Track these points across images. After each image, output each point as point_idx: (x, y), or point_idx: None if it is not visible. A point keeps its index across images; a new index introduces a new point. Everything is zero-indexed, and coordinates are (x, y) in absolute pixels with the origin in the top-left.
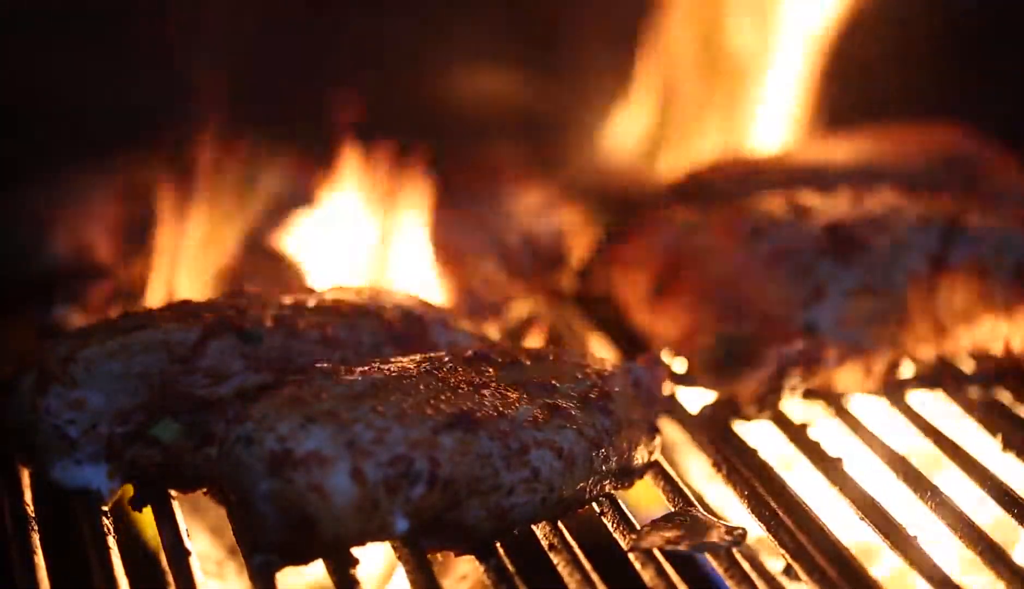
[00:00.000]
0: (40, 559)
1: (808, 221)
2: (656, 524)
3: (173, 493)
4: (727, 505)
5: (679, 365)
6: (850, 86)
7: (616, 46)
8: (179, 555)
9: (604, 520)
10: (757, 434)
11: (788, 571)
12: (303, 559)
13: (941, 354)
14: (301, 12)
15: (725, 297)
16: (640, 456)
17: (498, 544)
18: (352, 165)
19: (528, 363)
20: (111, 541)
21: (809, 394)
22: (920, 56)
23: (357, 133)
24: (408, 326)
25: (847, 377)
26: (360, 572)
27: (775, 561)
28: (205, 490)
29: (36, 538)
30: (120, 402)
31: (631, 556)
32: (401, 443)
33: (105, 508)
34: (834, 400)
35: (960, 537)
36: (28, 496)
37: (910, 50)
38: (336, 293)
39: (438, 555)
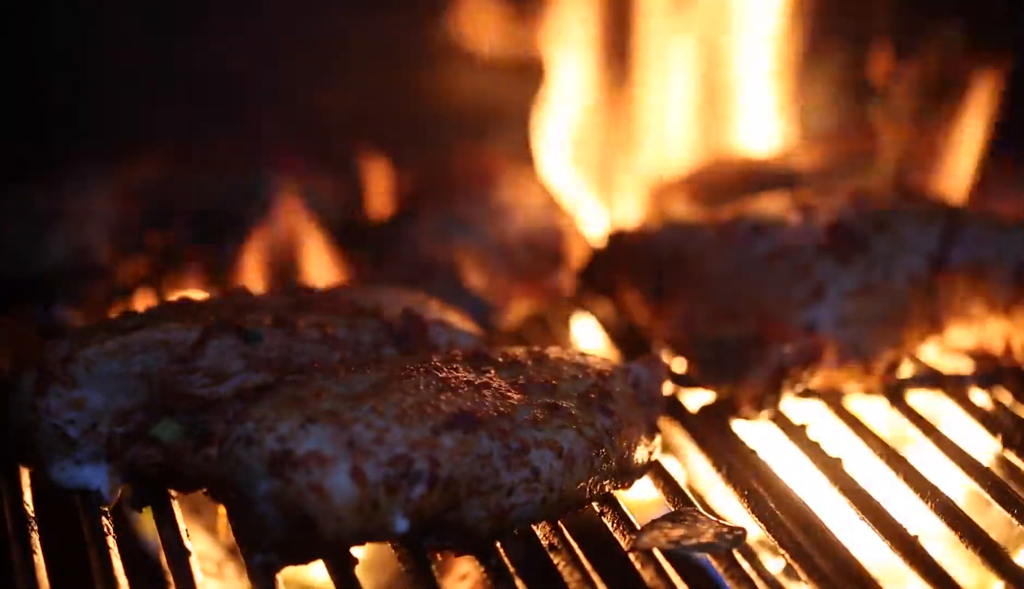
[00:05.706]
0: (40, 559)
1: (808, 221)
2: (656, 524)
3: (173, 493)
4: (727, 505)
5: (679, 365)
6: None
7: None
8: (179, 555)
9: (604, 520)
10: (757, 434)
11: (788, 571)
12: (303, 559)
13: (941, 354)
14: None
15: (725, 297)
16: (640, 456)
17: (498, 544)
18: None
19: (528, 363)
20: (111, 541)
21: (809, 394)
22: None
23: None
24: (408, 326)
25: (847, 377)
26: (360, 572)
27: (775, 561)
28: (205, 490)
29: (36, 538)
30: (120, 402)
31: (631, 556)
32: (401, 443)
33: (105, 508)
34: (834, 400)
35: (959, 537)
36: (28, 496)
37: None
38: (336, 293)
39: (438, 555)
